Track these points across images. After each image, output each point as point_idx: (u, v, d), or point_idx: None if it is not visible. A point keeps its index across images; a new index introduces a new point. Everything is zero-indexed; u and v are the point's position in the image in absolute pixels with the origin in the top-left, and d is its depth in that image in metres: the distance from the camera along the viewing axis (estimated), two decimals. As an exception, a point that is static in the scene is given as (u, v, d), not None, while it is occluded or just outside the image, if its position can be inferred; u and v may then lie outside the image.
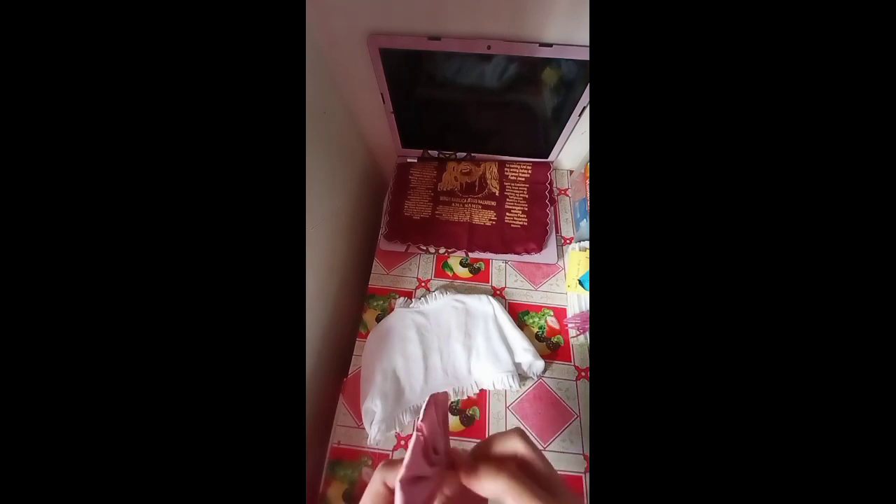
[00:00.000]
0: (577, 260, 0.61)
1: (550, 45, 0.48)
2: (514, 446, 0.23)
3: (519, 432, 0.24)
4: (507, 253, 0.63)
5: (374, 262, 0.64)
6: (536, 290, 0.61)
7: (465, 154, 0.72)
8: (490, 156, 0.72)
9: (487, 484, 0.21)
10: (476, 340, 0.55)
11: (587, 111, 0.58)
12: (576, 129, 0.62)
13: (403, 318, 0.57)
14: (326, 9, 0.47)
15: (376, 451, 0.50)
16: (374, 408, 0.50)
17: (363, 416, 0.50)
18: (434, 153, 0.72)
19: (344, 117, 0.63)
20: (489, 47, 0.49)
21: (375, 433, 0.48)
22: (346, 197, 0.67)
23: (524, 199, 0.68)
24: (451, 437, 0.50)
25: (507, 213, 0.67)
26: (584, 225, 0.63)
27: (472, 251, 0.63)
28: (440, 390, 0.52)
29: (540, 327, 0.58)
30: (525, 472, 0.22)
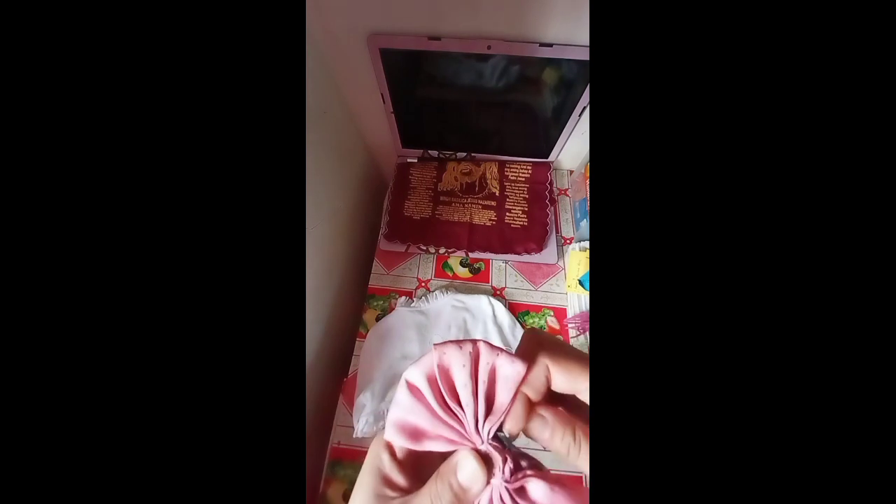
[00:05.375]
0: (577, 260, 0.61)
1: (550, 45, 0.48)
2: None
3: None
4: (507, 253, 0.63)
5: (374, 262, 0.64)
6: (536, 290, 0.61)
7: (465, 154, 0.72)
8: (490, 156, 0.72)
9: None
10: (476, 340, 0.55)
11: (587, 111, 0.58)
12: (576, 129, 0.62)
13: (404, 318, 0.57)
14: (326, 9, 0.47)
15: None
16: (364, 401, 0.50)
17: (354, 411, 0.50)
18: (434, 153, 0.72)
19: (344, 117, 0.63)
20: (489, 47, 0.49)
21: (363, 426, 0.48)
22: (346, 197, 0.67)
23: (524, 199, 0.68)
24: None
25: (507, 213, 0.67)
26: (584, 225, 0.63)
27: (472, 251, 0.63)
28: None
29: (540, 327, 0.58)
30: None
